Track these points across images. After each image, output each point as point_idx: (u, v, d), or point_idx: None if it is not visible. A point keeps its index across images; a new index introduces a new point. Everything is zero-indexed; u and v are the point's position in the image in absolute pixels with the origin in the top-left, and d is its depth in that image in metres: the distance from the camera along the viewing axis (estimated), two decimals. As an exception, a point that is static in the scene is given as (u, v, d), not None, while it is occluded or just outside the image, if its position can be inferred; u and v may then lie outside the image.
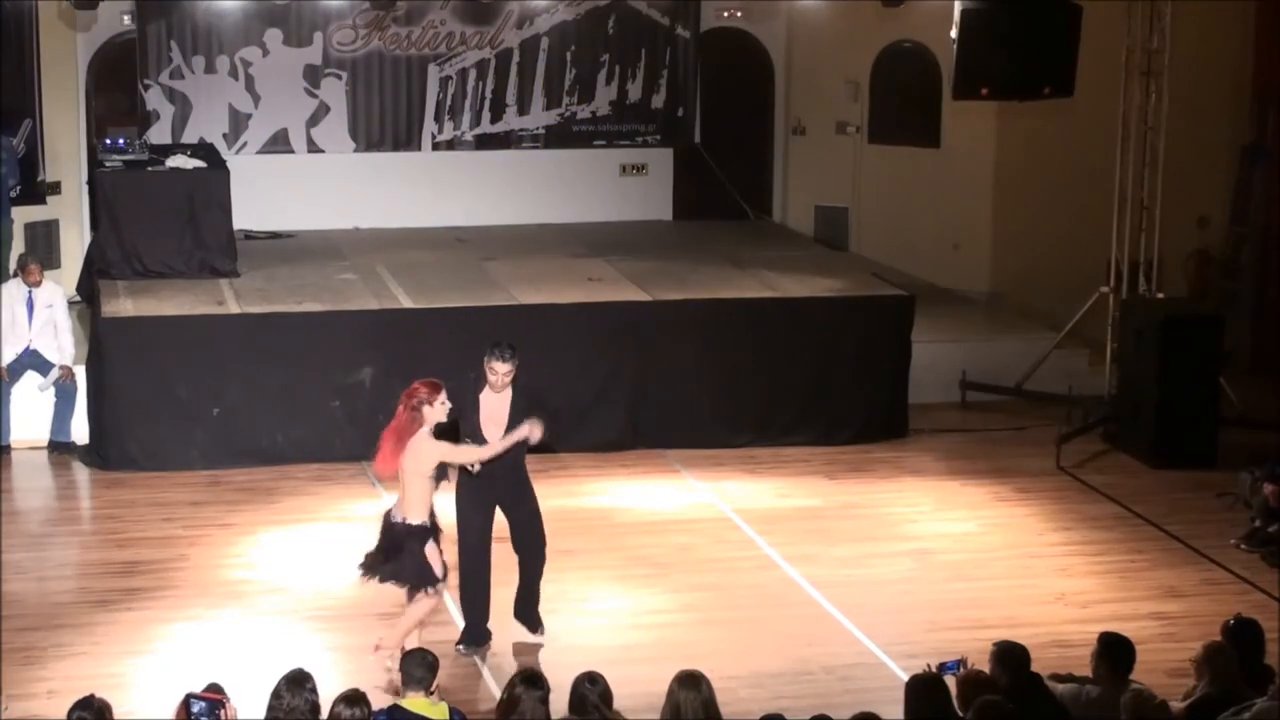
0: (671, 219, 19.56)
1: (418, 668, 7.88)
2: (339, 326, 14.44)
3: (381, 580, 10.14)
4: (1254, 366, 17.22)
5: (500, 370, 10.20)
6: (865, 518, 13.18)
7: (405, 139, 18.70)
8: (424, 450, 9.86)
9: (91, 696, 7.24)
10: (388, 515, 10.12)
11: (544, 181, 19.10)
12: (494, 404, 10.32)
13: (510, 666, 9.93)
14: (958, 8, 14.80)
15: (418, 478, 9.91)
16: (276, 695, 7.43)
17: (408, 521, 9.94)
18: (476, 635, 10.50)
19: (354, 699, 7.34)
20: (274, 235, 17.86)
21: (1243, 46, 18.07)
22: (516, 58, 18.77)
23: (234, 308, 14.60)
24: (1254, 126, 18.09)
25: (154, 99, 17.94)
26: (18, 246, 15.98)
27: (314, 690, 7.46)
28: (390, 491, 13.52)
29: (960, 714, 7.72)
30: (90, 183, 17.02)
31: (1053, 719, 7.98)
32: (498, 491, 10.47)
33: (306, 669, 7.57)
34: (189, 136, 17.82)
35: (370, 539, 9.91)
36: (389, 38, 18.43)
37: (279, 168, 18.29)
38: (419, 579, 9.99)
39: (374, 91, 18.50)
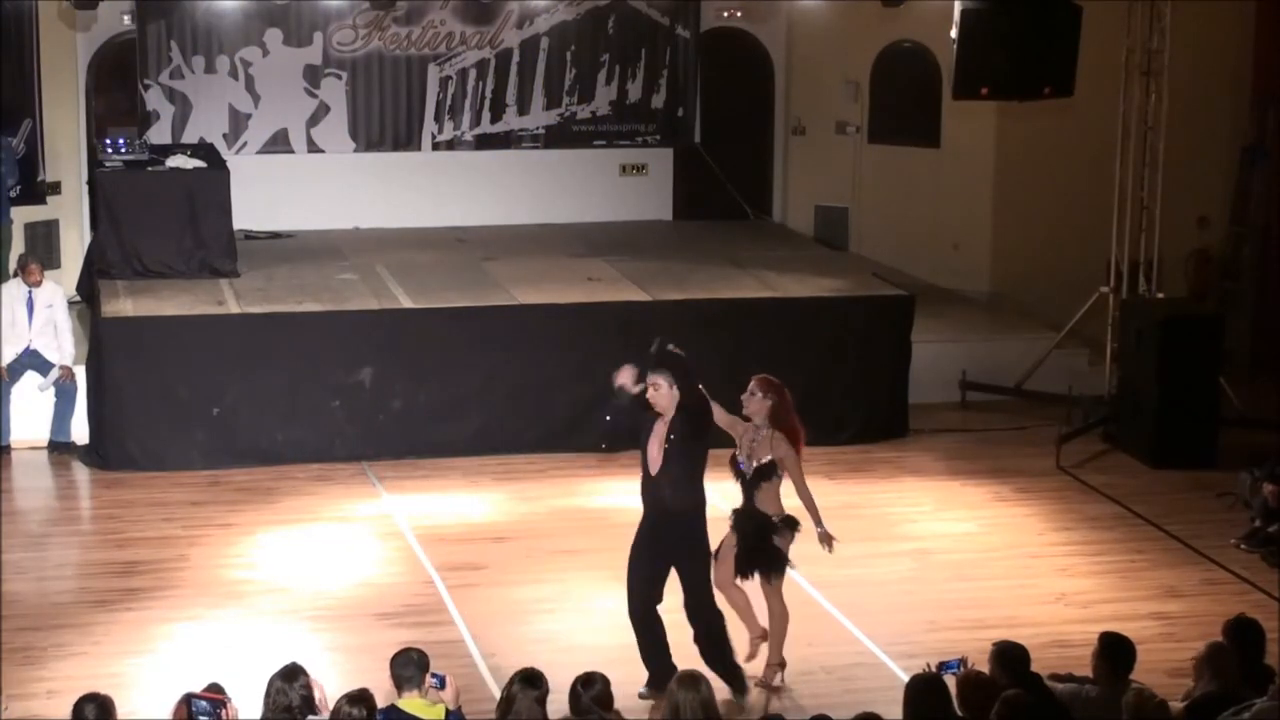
0: (671, 219, 19.56)
1: (406, 667, 7.78)
2: (339, 326, 14.44)
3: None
4: (1254, 366, 17.22)
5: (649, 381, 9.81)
6: (865, 518, 13.17)
7: (405, 139, 18.69)
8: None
9: (98, 694, 7.27)
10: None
11: (544, 181, 19.10)
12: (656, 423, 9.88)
13: (510, 666, 9.90)
14: (958, 8, 14.79)
15: None
16: (269, 690, 7.46)
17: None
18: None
19: (358, 698, 7.36)
20: (274, 235, 17.86)
21: (1243, 46, 18.07)
22: (516, 58, 18.77)
23: (234, 308, 14.60)
24: (1254, 126, 18.09)
25: (154, 99, 17.93)
26: (18, 246, 15.98)
27: (306, 685, 7.49)
28: (392, 492, 13.58)
29: (960, 714, 7.72)
30: (90, 183, 17.01)
31: (1053, 719, 7.97)
32: (666, 543, 9.84)
33: (299, 663, 7.60)
34: (189, 136, 17.81)
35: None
36: (389, 38, 18.42)
37: (279, 168, 18.29)
38: None
39: (374, 91, 18.49)
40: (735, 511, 10.19)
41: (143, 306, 14.58)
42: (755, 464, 10.01)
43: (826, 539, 10.06)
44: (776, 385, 10.06)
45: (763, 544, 10.04)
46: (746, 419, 10.08)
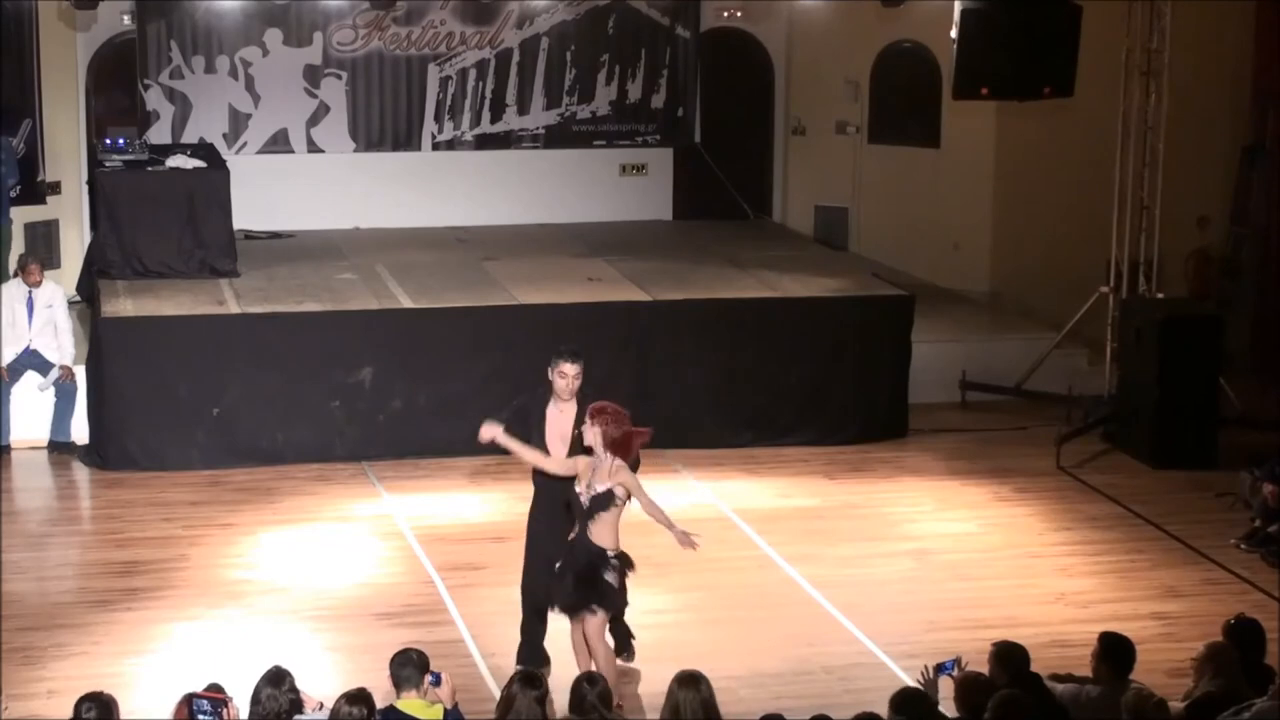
0: (671, 219, 19.56)
1: (404, 667, 7.78)
2: (339, 326, 14.44)
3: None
4: (1254, 366, 17.22)
5: (570, 373, 9.80)
6: (865, 518, 13.18)
7: (405, 139, 18.70)
8: None
9: (100, 693, 7.27)
10: None
11: (544, 181, 19.10)
12: (560, 419, 9.89)
13: (510, 666, 9.93)
14: (958, 8, 14.79)
15: None
16: (258, 696, 7.46)
17: None
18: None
19: (356, 698, 7.37)
20: (274, 235, 17.86)
21: (1243, 46, 18.07)
22: (516, 58, 18.77)
23: (234, 308, 14.60)
24: (1254, 126, 18.09)
25: (154, 99, 17.94)
26: (18, 246, 15.98)
27: (293, 688, 7.51)
28: (392, 492, 13.58)
29: (958, 714, 7.73)
30: (90, 183, 17.01)
31: (1052, 719, 7.98)
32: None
33: (284, 667, 7.63)
34: (189, 136, 17.82)
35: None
36: (389, 38, 18.43)
37: (279, 168, 18.29)
38: None
39: (374, 91, 18.50)
40: (569, 542, 9.63)
41: (143, 306, 14.58)
42: (592, 493, 9.44)
43: (685, 538, 9.50)
44: (610, 411, 9.45)
45: (593, 578, 9.45)
46: (589, 450, 9.51)
